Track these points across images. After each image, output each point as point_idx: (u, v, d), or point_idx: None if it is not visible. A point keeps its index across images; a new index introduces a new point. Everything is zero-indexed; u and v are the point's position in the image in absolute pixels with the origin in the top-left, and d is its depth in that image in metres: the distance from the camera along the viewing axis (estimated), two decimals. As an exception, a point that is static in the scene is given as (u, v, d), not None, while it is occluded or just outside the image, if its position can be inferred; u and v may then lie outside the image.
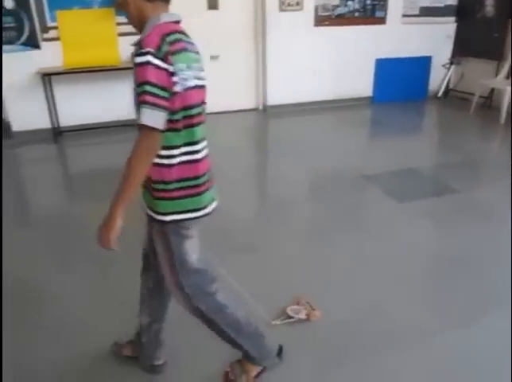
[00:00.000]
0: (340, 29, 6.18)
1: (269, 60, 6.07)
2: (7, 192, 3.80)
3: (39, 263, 2.82)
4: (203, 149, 1.57)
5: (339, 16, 6.14)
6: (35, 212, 3.67)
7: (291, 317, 2.24)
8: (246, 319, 1.78)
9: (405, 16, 6.43)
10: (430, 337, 2.15)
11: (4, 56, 4.82)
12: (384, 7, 6.30)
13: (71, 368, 2.01)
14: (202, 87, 1.55)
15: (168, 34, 1.40)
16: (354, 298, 2.43)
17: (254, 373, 1.88)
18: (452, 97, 6.89)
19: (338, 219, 3.33)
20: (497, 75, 6.04)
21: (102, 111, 5.36)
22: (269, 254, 2.87)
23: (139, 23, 1.49)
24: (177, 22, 1.51)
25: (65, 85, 5.21)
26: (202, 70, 1.56)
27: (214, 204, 1.65)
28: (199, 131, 1.53)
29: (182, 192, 1.52)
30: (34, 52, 5.00)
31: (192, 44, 1.53)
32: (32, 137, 5.12)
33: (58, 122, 5.30)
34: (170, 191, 1.51)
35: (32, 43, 4.98)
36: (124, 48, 5.11)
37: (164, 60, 1.36)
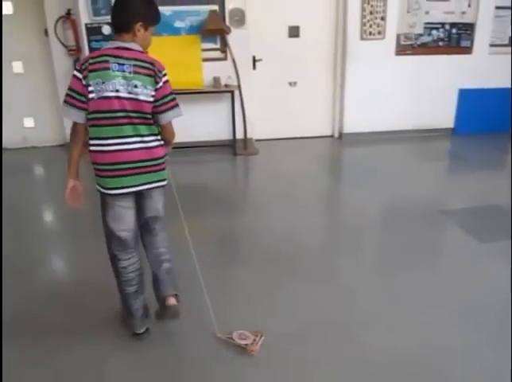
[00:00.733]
0: (422, 58, 6.04)
1: (348, 87, 6.04)
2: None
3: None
4: (114, 144, 1.98)
5: (422, 45, 6.02)
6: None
7: (231, 339, 2.23)
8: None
9: (492, 46, 6.15)
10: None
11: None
12: (471, 36, 6.07)
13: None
14: (119, 97, 1.93)
15: (94, 57, 1.91)
16: (423, 339, 2.28)
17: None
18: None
19: (411, 254, 3.17)
20: None
21: (182, 132, 5.56)
22: (333, 283, 2.79)
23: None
24: (118, 48, 1.94)
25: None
26: (133, 86, 1.93)
27: (123, 190, 2.04)
28: (107, 130, 1.97)
29: (96, 172, 2.06)
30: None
31: (122, 65, 1.92)
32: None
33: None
34: (95, 169, 2.06)
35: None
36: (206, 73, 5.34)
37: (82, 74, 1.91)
